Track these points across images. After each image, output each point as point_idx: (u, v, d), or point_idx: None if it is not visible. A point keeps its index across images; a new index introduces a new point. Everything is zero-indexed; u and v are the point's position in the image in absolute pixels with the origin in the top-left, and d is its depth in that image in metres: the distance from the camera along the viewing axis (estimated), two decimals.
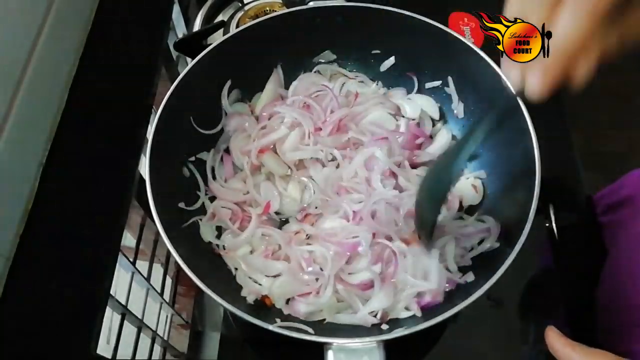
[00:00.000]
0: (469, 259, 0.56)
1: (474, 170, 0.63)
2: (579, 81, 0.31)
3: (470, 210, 0.61)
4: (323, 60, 0.69)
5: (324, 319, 0.53)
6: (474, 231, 0.57)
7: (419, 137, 0.65)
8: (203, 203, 0.60)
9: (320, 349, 0.45)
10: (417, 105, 0.67)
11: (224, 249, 0.58)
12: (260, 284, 0.55)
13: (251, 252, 0.58)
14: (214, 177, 0.63)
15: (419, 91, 0.68)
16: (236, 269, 0.57)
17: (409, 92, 0.69)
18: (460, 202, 0.61)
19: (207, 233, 0.59)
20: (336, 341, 0.44)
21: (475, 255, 0.56)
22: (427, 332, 0.45)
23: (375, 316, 0.52)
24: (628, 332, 0.57)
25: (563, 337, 0.39)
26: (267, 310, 0.54)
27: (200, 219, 0.58)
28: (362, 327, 0.52)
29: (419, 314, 0.52)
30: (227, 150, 0.65)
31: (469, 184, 0.61)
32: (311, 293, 0.53)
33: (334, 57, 0.69)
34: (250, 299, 0.54)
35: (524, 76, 0.33)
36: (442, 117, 0.68)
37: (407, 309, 0.53)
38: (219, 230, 0.60)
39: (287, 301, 0.54)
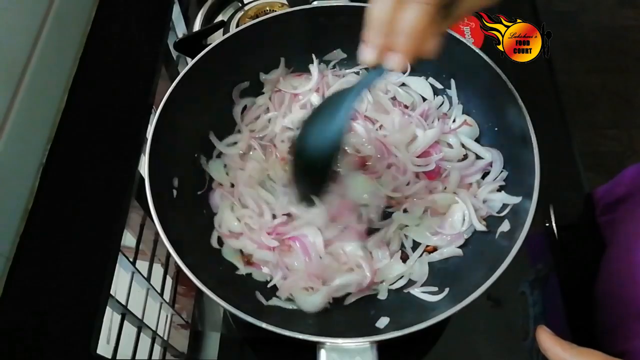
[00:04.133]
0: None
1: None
2: (429, 53, 0.39)
3: None
4: (331, 59, 0.69)
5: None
6: (478, 168, 0.60)
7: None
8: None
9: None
10: (411, 90, 0.68)
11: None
12: None
13: None
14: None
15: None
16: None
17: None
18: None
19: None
20: (329, 340, 0.44)
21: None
22: (426, 332, 0.45)
23: None
24: (626, 330, 0.57)
25: (553, 336, 0.40)
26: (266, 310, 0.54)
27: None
28: (356, 327, 0.52)
29: None
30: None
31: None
32: None
33: (344, 55, 0.69)
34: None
35: (381, 58, 0.40)
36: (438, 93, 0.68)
37: None
38: None
39: None
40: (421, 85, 0.68)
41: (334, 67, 0.70)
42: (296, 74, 0.69)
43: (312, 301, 0.53)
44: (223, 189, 0.62)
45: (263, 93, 0.68)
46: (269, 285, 0.56)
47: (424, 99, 0.67)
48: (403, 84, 0.69)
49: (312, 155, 0.48)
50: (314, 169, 0.49)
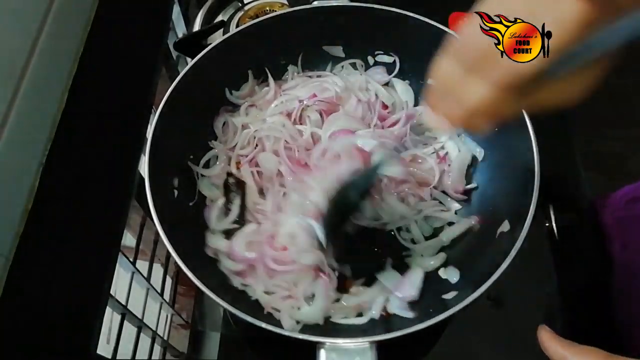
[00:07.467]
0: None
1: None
2: (478, 131, 0.36)
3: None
4: (332, 53, 0.69)
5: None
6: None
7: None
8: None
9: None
10: (395, 92, 0.68)
11: None
12: None
13: None
14: None
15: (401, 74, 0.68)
16: None
17: (389, 72, 0.69)
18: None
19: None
20: (329, 341, 0.44)
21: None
22: (426, 332, 0.45)
23: None
24: None
25: (555, 335, 0.40)
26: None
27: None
28: (356, 327, 0.52)
29: None
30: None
31: None
32: None
33: (343, 54, 0.69)
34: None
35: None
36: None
37: None
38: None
39: None
40: (405, 91, 0.68)
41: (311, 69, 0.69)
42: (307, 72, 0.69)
43: (314, 307, 0.53)
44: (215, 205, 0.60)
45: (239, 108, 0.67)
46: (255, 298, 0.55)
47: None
48: (388, 83, 0.69)
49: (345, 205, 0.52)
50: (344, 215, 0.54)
